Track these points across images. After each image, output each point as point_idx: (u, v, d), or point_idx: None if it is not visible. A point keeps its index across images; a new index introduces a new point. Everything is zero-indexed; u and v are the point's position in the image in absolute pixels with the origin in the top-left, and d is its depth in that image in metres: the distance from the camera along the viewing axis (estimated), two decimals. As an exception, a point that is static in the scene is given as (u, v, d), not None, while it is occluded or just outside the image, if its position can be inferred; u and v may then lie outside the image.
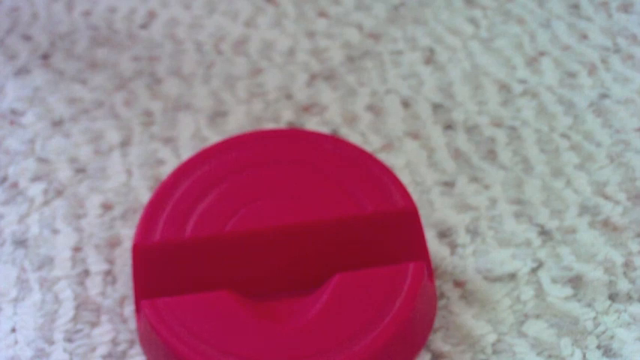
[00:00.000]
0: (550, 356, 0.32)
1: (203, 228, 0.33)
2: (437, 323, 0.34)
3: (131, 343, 0.34)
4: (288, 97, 0.44)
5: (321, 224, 0.33)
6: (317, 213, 0.33)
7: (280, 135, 0.36)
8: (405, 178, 0.40)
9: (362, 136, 0.42)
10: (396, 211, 0.33)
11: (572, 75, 0.44)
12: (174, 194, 0.34)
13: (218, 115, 0.43)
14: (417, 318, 0.32)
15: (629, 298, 0.34)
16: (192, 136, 0.42)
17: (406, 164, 0.40)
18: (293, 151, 0.35)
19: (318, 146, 0.36)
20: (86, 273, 0.36)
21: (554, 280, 0.35)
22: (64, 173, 0.41)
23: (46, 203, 0.39)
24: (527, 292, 0.35)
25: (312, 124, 0.42)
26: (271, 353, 0.30)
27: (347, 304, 0.31)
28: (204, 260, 0.33)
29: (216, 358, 0.30)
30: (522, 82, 0.44)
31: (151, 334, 0.32)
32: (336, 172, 0.35)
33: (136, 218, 0.38)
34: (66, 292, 0.36)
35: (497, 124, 0.42)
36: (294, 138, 0.36)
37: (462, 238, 0.37)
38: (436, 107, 0.43)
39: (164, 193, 0.35)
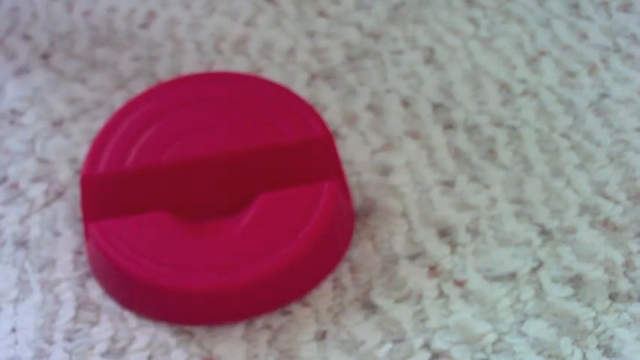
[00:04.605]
0: (550, 356, 0.32)
1: (143, 158, 0.37)
2: (437, 322, 0.34)
3: (130, 340, 0.34)
4: (288, 96, 0.44)
5: (246, 152, 0.37)
6: (243, 143, 0.38)
7: (213, 77, 0.41)
8: (405, 177, 0.40)
9: (362, 136, 0.42)
10: (314, 138, 0.38)
11: (572, 75, 0.44)
12: (118, 130, 0.38)
13: (218, 115, 0.43)
14: (335, 228, 0.36)
15: (629, 297, 0.34)
16: (193, 136, 0.42)
17: (406, 164, 0.40)
18: (223, 90, 0.40)
19: (245, 85, 0.40)
20: (87, 275, 0.37)
21: (554, 280, 0.35)
22: (64, 174, 0.41)
23: (46, 205, 0.39)
24: (528, 292, 0.35)
25: (312, 124, 0.43)
26: (200, 262, 0.34)
27: (269, 220, 0.35)
28: (144, 187, 0.37)
29: (153, 269, 0.34)
30: (522, 81, 0.44)
31: (98, 254, 0.35)
32: (261, 107, 0.39)
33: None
34: (67, 294, 0.36)
35: (497, 123, 0.42)
36: (224, 79, 0.40)
37: (462, 237, 0.37)
38: (436, 107, 0.43)
39: (109, 128, 0.39)
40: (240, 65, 0.46)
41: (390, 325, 0.34)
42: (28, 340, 0.34)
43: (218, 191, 0.37)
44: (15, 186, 0.40)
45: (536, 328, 0.33)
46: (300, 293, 0.35)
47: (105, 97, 0.45)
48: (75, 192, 0.40)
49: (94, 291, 0.36)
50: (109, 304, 0.35)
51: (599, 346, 0.33)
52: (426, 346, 0.33)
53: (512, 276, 0.35)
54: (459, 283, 0.35)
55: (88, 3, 0.51)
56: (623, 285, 0.35)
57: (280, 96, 0.39)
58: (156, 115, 0.39)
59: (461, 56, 0.46)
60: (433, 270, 0.36)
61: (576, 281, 0.35)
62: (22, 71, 0.47)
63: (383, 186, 0.39)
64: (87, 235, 0.36)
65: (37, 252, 0.37)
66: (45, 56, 0.48)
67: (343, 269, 0.36)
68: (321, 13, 0.50)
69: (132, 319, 0.35)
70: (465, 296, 0.35)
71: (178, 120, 0.39)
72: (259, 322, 0.35)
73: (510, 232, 0.37)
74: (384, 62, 0.46)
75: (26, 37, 0.49)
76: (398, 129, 0.42)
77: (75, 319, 0.35)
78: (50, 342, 0.34)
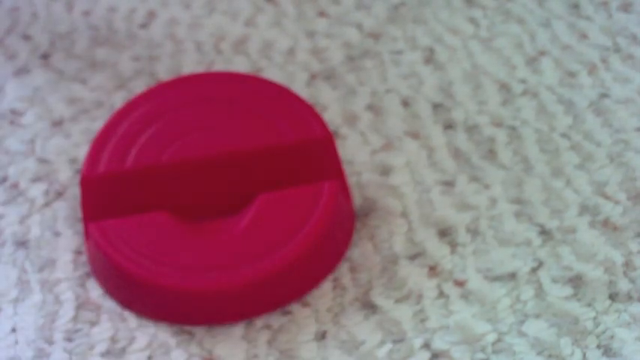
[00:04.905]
0: (550, 356, 0.32)
1: (143, 158, 0.37)
2: (437, 322, 0.34)
3: (130, 340, 0.34)
4: (288, 96, 0.44)
5: (246, 152, 0.37)
6: (243, 143, 0.38)
7: (213, 77, 0.41)
8: (405, 177, 0.40)
9: (362, 136, 0.42)
10: (314, 138, 0.38)
11: (572, 75, 0.44)
12: (118, 130, 0.39)
13: (218, 115, 0.43)
14: (335, 228, 0.36)
15: (629, 297, 0.34)
16: (193, 136, 0.42)
17: (406, 164, 0.40)
18: (223, 90, 0.40)
19: (245, 85, 0.40)
20: (87, 275, 0.37)
21: (554, 280, 0.35)
22: (64, 174, 0.41)
23: (46, 205, 0.39)
24: (527, 292, 0.35)
25: (312, 123, 0.43)
26: (200, 262, 0.34)
27: (269, 220, 0.35)
28: (144, 187, 0.37)
29: (153, 269, 0.34)
30: (522, 81, 0.44)
31: (98, 254, 0.35)
32: (261, 107, 0.39)
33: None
34: (67, 294, 0.36)
35: (497, 123, 0.42)
36: (224, 79, 0.40)
37: (462, 237, 0.37)
38: (436, 107, 0.43)
39: (109, 128, 0.39)
40: (240, 65, 0.46)
41: (390, 325, 0.34)
42: (28, 340, 0.34)
43: (218, 191, 0.37)
44: (15, 186, 0.40)
45: (536, 328, 0.33)
46: (300, 293, 0.35)
47: (105, 97, 0.45)
48: (75, 192, 0.40)
49: (94, 291, 0.36)
50: (109, 304, 0.35)
51: (599, 346, 0.33)
52: (426, 346, 0.33)
53: (512, 276, 0.35)
54: (459, 283, 0.35)
55: (88, 3, 0.51)
56: (623, 285, 0.35)
57: (280, 96, 0.39)
58: (156, 115, 0.39)
59: (461, 56, 0.46)
60: (433, 270, 0.36)
61: (576, 281, 0.35)
62: (22, 71, 0.47)
63: (383, 186, 0.39)
64: (87, 235, 0.36)
65: (37, 252, 0.37)
66: (45, 56, 0.48)
67: (343, 269, 0.36)
68: (321, 13, 0.50)
69: (132, 319, 0.35)
70: (465, 296, 0.35)
71: (178, 120, 0.39)
72: (259, 322, 0.35)
73: (510, 232, 0.37)
74: (384, 62, 0.46)
75: (26, 37, 0.49)
76: (398, 129, 0.42)
77: (75, 319, 0.35)
78: (50, 342, 0.34)
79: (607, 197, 0.38)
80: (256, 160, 0.37)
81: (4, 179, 0.41)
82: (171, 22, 0.50)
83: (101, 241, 0.35)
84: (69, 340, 0.34)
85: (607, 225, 0.37)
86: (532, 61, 0.45)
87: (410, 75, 0.45)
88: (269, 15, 0.50)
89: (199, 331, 0.35)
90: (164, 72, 0.46)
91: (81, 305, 0.35)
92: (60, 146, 0.42)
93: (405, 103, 0.43)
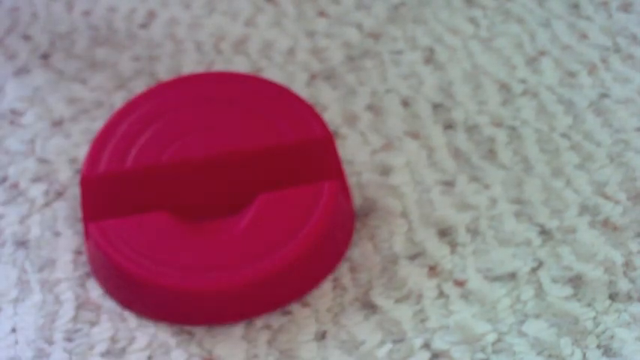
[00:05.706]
0: (550, 356, 0.32)
1: (143, 158, 0.37)
2: (437, 322, 0.34)
3: (130, 340, 0.34)
4: (288, 96, 0.44)
5: (246, 152, 0.37)
6: (243, 143, 0.38)
7: (213, 77, 0.41)
8: (405, 177, 0.40)
9: (362, 136, 0.42)
10: (314, 138, 0.38)
11: (572, 75, 0.44)
12: (118, 130, 0.39)
13: (218, 115, 0.43)
14: (335, 228, 0.36)
15: (629, 297, 0.34)
16: (193, 136, 0.42)
17: (406, 164, 0.40)
18: (223, 90, 0.40)
19: (245, 85, 0.40)
20: (87, 275, 0.37)
21: (554, 280, 0.35)
22: (64, 174, 0.41)
23: (46, 205, 0.39)
24: (528, 292, 0.35)
25: (312, 123, 0.43)
26: (200, 262, 0.34)
27: (269, 220, 0.35)
28: (144, 187, 0.37)
29: (153, 269, 0.34)
30: (522, 81, 0.44)
31: (98, 254, 0.35)
32: (261, 107, 0.39)
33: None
34: (67, 294, 0.36)
35: (497, 123, 0.42)
36: (224, 79, 0.40)
37: (462, 237, 0.37)
38: (436, 107, 0.43)
39: (109, 128, 0.39)
40: (240, 65, 0.46)
41: (390, 325, 0.34)
42: (28, 340, 0.34)
43: (218, 191, 0.37)
44: (15, 186, 0.40)
45: (536, 328, 0.33)
46: (300, 293, 0.35)
47: (105, 97, 0.45)
48: (75, 192, 0.40)
49: (94, 291, 0.36)
50: (109, 304, 0.35)
51: (599, 346, 0.33)
52: (426, 346, 0.33)
53: (512, 276, 0.35)
54: (459, 283, 0.35)
55: (88, 3, 0.51)
56: (623, 285, 0.35)
57: (280, 96, 0.39)
58: (156, 115, 0.39)
59: (461, 56, 0.46)
60: (433, 270, 0.36)
61: (576, 281, 0.35)
62: (22, 71, 0.47)
63: (383, 186, 0.39)
64: (87, 235, 0.36)
65: (37, 252, 0.37)
66: (45, 56, 0.48)
67: (343, 269, 0.36)
68: (321, 13, 0.50)
69: (132, 319, 0.35)
70: (465, 296, 0.35)
71: (178, 120, 0.39)
72: (259, 322, 0.35)
73: (510, 232, 0.37)
74: (384, 62, 0.46)
75: (26, 37, 0.49)
76: (398, 129, 0.42)
77: (75, 319, 0.35)
78: (50, 342, 0.34)
79: (607, 197, 0.38)
80: (256, 160, 0.37)
81: (4, 179, 0.41)
82: (171, 22, 0.50)
83: (101, 241, 0.35)
84: (69, 340, 0.34)
85: (607, 225, 0.37)
86: (532, 61, 0.45)
87: (410, 75, 0.45)
88: (269, 15, 0.50)
89: (199, 331, 0.35)
90: (164, 72, 0.46)
91: (81, 305, 0.35)
92: (60, 146, 0.42)
93: (405, 103, 0.43)
